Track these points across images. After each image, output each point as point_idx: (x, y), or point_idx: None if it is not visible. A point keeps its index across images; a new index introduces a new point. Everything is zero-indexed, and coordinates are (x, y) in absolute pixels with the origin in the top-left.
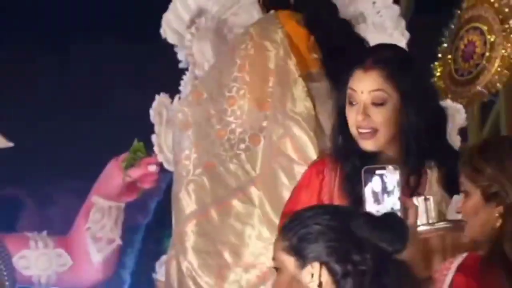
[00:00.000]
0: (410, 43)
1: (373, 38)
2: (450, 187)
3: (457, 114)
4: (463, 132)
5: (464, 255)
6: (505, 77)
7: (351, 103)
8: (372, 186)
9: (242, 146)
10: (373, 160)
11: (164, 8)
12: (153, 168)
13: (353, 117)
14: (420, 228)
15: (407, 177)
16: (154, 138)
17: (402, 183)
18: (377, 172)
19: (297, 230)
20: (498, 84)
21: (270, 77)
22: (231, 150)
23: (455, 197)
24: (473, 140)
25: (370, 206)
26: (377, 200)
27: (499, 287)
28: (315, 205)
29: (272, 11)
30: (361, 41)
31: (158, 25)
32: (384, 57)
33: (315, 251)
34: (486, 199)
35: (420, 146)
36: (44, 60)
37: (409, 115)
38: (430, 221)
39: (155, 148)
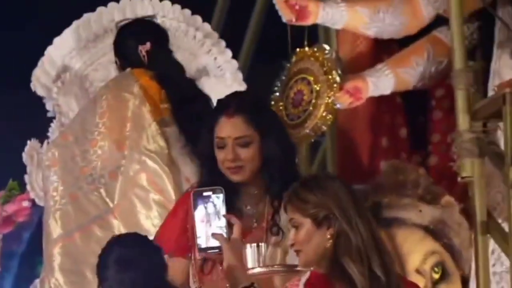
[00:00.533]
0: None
1: (215, 88)
2: None
3: None
4: None
5: (308, 273)
6: (329, 121)
7: (220, 147)
8: (206, 208)
9: (102, 180)
10: (237, 192)
11: (34, 63)
12: (26, 203)
13: (222, 157)
14: (254, 271)
15: (272, 201)
16: (26, 177)
17: (224, 204)
18: (205, 194)
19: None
20: (323, 127)
21: (128, 122)
22: (93, 184)
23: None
24: (304, 175)
25: (200, 227)
26: (208, 221)
27: None
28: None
29: (128, 69)
30: (203, 93)
31: (27, 79)
32: (243, 105)
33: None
34: (317, 225)
35: (281, 175)
36: None
37: (269, 150)
38: (263, 265)
39: (28, 186)
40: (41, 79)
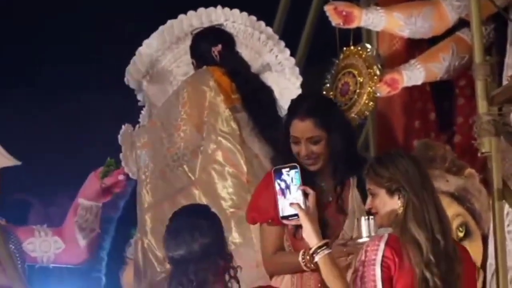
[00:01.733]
0: (303, 84)
1: (277, 81)
2: (363, 189)
3: None
4: None
5: (386, 235)
6: (371, 107)
7: (295, 143)
8: (285, 182)
9: (186, 158)
10: (313, 175)
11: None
12: (121, 177)
13: (297, 150)
14: (364, 240)
15: (335, 187)
16: (121, 156)
17: (300, 177)
18: (283, 170)
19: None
20: (366, 112)
21: (205, 110)
22: (177, 161)
23: (362, 218)
24: None
25: (281, 198)
26: (287, 193)
27: (410, 257)
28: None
29: (204, 67)
30: (266, 85)
31: (123, 74)
32: (313, 108)
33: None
34: (389, 195)
35: (344, 165)
36: None
37: (335, 144)
38: (372, 234)
39: (123, 163)
40: (133, 74)
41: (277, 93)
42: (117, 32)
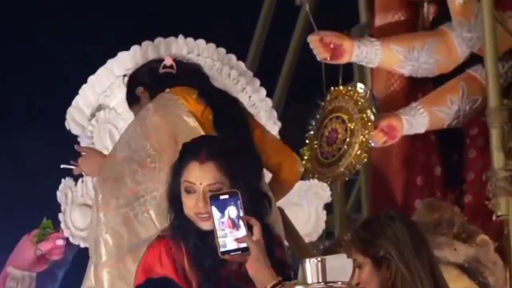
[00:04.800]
0: (281, 130)
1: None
2: None
3: (322, 191)
4: (328, 206)
5: None
6: (364, 159)
7: (188, 192)
8: (224, 211)
9: (153, 202)
10: (210, 236)
11: (68, 103)
12: (60, 242)
13: (192, 203)
14: (315, 286)
15: None
16: (61, 216)
17: (242, 206)
18: (221, 197)
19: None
20: (357, 166)
21: (177, 138)
22: (143, 205)
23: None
24: (338, 213)
25: (220, 230)
26: (228, 224)
27: None
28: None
29: (167, 89)
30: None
31: (62, 118)
32: (215, 150)
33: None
34: (377, 265)
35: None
36: None
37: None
38: (324, 280)
39: (62, 225)
40: (76, 117)
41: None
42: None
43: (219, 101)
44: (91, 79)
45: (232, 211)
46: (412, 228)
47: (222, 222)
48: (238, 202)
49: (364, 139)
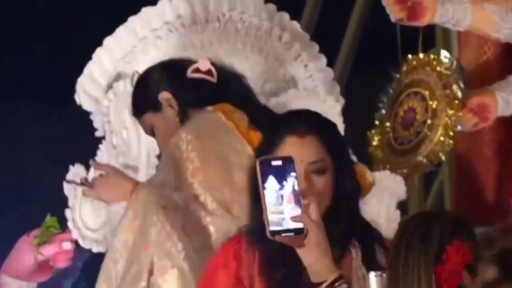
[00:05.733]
0: (345, 109)
1: (305, 104)
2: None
3: (396, 186)
4: (403, 205)
5: None
6: (448, 146)
7: None
8: (277, 182)
9: None
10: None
11: (79, 71)
12: (67, 245)
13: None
14: None
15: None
16: (68, 212)
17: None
18: (274, 163)
19: None
20: (440, 154)
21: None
22: None
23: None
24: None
25: (271, 205)
26: (280, 198)
27: None
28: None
29: (209, 107)
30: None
31: (71, 90)
32: (316, 124)
33: None
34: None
35: (349, 217)
36: None
37: (342, 185)
38: None
39: (70, 224)
40: (88, 89)
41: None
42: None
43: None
44: (107, 41)
45: (286, 182)
46: None
47: (276, 195)
48: (294, 172)
49: (449, 121)
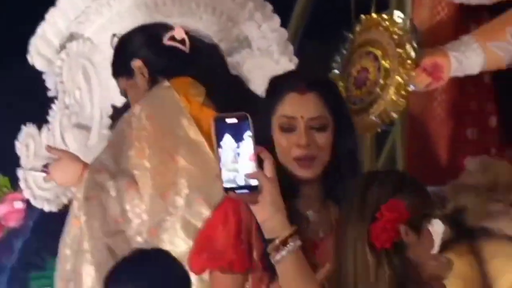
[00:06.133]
0: (298, 68)
1: (258, 63)
2: None
3: None
4: None
5: None
6: (401, 106)
7: (286, 130)
8: (231, 139)
9: (139, 238)
10: (298, 194)
11: (31, 32)
12: (18, 204)
13: (290, 144)
14: None
15: (328, 215)
16: (20, 172)
17: (253, 134)
18: (228, 121)
19: None
20: (393, 114)
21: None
22: (126, 242)
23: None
24: None
25: (226, 161)
26: (235, 155)
27: None
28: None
29: (166, 82)
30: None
31: (24, 50)
32: (317, 81)
33: None
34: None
35: (347, 176)
36: None
37: (343, 144)
38: None
39: (21, 183)
40: (41, 49)
41: (259, 83)
42: None
43: (234, 104)
44: (61, 1)
45: (241, 138)
46: None
47: (232, 153)
48: (248, 129)
49: (401, 81)
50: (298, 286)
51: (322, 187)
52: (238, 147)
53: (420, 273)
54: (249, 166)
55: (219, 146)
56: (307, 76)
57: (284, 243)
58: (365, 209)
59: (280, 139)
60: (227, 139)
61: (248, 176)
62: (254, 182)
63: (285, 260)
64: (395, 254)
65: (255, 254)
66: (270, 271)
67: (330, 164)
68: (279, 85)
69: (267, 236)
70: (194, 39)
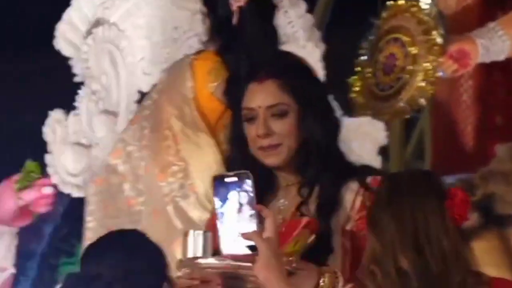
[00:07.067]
0: (325, 55)
1: (285, 49)
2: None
3: (377, 131)
4: (384, 150)
5: None
6: (429, 92)
7: (249, 120)
8: (231, 198)
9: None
10: (273, 184)
11: (57, 17)
12: (47, 190)
13: (253, 133)
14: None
15: (299, 188)
16: (48, 157)
17: (254, 193)
18: (227, 180)
19: None
20: (421, 100)
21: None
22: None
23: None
24: (396, 159)
25: (225, 224)
26: (234, 216)
27: None
28: None
29: (192, 56)
30: None
31: (51, 36)
32: (277, 68)
33: None
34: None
35: (319, 159)
36: None
37: (310, 128)
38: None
39: (50, 169)
40: (67, 34)
41: None
42: None
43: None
44: None
45: (241, 198)
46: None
47: (232, 211)
48: (249, 186)
49: (429, 67)
50: None
51: (294, 175)
52: (239, 205)
53: None
54: (250, 225)
55: (216, 206)
56: (271, 63)
57: None
58: (431, 192)
59: (247, 131)
60: (227, 198)
61: (244, 237)
62: (251, 242)
63: None
64: None
65: None
66: None
67: (300, 149)
68: (245, 77)
69: None
70: (250, 13)
